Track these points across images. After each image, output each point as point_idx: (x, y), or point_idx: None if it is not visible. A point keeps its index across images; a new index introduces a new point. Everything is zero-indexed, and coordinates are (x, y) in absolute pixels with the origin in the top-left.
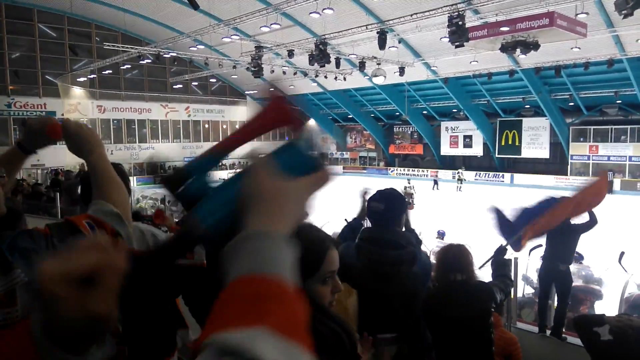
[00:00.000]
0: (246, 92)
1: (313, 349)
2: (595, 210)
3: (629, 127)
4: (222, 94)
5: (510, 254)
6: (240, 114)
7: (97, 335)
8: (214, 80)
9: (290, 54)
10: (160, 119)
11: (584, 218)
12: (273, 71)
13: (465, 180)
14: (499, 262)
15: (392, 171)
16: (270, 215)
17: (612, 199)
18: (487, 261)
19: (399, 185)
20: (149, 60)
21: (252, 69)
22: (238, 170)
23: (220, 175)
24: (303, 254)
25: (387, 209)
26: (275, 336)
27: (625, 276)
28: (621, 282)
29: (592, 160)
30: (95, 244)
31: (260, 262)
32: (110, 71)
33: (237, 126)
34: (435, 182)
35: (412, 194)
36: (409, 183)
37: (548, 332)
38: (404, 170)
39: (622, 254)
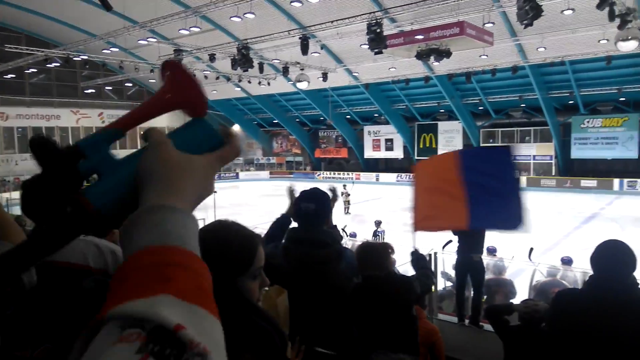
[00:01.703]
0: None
1: (219, 316)
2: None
3: (532, 128)
4: (139, 99)
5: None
6: (159, 119)
7: None
8: (130, 84)
9: (212, 58)
10: (71, 125)
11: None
12: (194, 75)
13: None
14: (417, 257)
15: (318, 175)
16: (170, 189)
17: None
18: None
19: (325, 187)
20: (57, 64)
21: None
22: (136, 149)
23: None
24: (236, 252)
25: (318, 208)
26: (180, 301)
27: (533, 267)
28: (529, 271)
29: None
30: None
31: (160, 235)
32: (13, 75)
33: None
34: None
35: (349, 200)
36: (345, 188)
37: (467, 321)
38: (330, 173)
39: (531, 249)
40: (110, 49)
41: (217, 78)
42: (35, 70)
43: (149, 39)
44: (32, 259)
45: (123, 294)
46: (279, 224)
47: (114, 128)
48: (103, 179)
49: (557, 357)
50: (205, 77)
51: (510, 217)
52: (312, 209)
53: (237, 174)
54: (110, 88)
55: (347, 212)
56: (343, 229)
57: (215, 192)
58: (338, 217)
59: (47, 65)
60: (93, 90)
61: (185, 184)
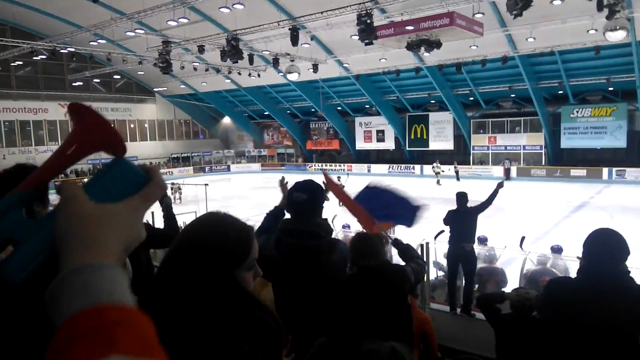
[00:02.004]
0: (155, 89)
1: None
2: (492, 192)
3: (522, 118)
4: (128, 92)
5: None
6: (149, 112)
7: None
8: (118, 77)
9: (201, 49)
10: (59, 119)
11: (478, 201)
12: (183, 67)
13: (442, 172)
14: (401, 248)
15: (310, 166)
16: (90, 246)
17: (510, 185)
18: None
19: (318, 180)
20: (44, 56)
21: (160, 64)
22: (51, 209)
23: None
24: (234, 244)
25: (310, 199)
26: (130, 358)
27: (523, 255)
28: (520, 260)
29: (491, 150)
30: None
31: (90, 295)
32: None
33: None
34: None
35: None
36: (339, 180)
37: (458, 310)
38: (321, 165)
39: (523, 238)
40: (98, 41)
41: (207, 70)
42: (21, 62)
43: (136, 31)
44: None
45: None
46: (273, 217)
47: (26, 189)
48: (20, 248)
49: (548, 344)
50: (195, 68)
51: (407, 217)
52: (304, 200)
53: (229, 166)
54: (98, 80)
55: (342, 204)
56: (332, 220)
57: (207, 184)
58: (332, 208)
59: (34, 58)
60: (81, 83)
61: (105, 237)
